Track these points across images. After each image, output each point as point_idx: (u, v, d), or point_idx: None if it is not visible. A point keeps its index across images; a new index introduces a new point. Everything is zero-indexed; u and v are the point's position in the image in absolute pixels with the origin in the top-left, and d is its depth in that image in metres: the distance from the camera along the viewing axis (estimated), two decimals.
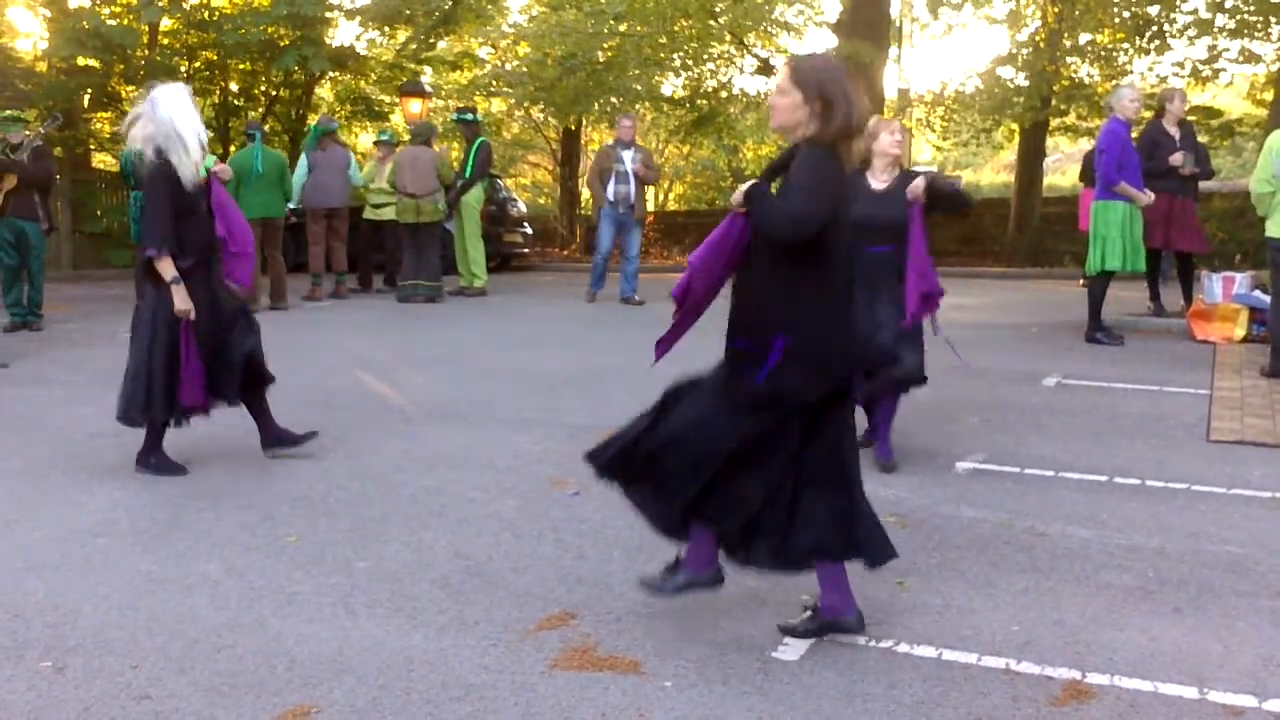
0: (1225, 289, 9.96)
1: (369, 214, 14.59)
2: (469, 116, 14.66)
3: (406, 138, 15.23)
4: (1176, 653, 3.69)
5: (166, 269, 5.61)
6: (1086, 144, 20.03)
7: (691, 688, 3.45)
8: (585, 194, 31.68)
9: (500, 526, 4.99)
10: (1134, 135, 9.80)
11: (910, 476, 5.76)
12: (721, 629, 3.84)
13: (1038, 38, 19.41)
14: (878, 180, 5.93)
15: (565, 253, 24.47)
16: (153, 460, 5.87)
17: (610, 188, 12.92)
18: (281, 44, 18.85)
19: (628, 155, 12.98)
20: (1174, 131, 10.21)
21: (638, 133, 30.86)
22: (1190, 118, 12.84)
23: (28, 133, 10.97)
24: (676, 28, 20.41)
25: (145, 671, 3.57)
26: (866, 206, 5.69)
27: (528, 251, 20.48)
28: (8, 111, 11.44)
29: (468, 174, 13.86)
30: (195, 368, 5.72)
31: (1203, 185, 10.72)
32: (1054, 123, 20.93)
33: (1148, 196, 9.28)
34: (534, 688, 3.46)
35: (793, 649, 3.71)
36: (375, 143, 15.77)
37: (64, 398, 7.71)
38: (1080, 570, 4.45)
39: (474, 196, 14.01)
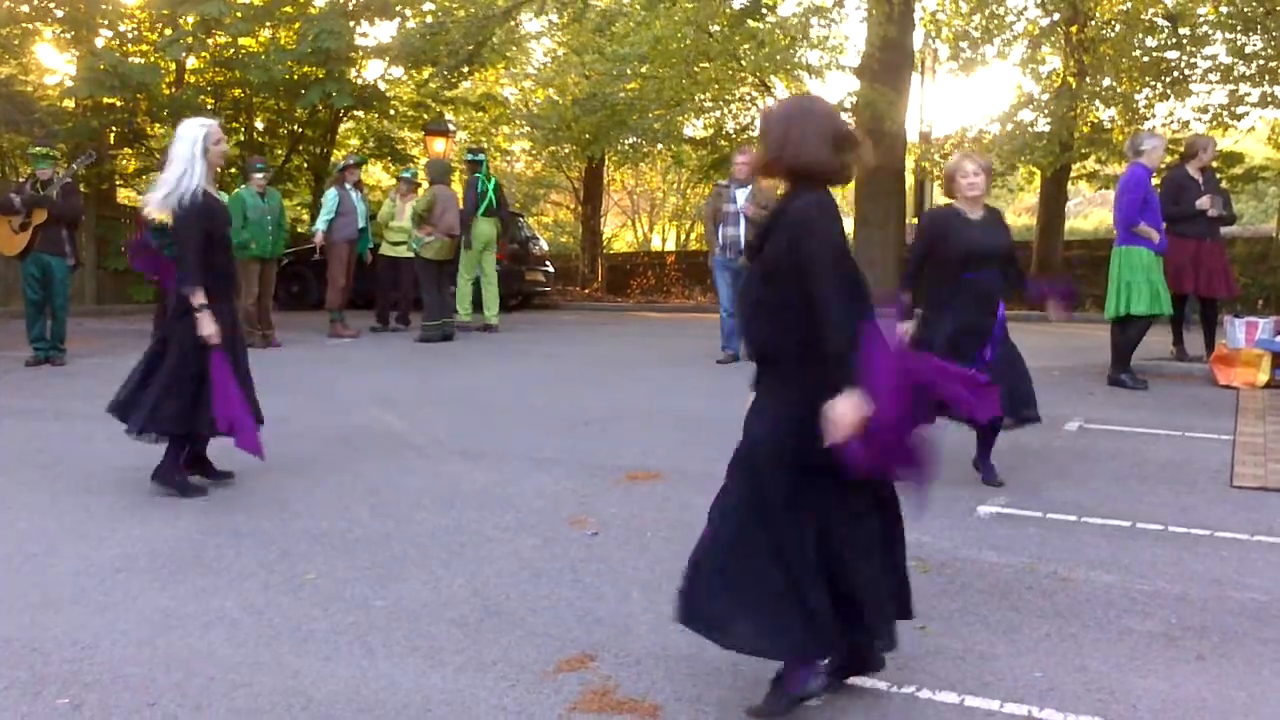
0: (1248, 334, 9.90)
1: (386, 250, 14.66)
2: (467, 156, 14.93)
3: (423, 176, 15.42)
4: (1200, 701, 3.64)
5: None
6: (1110, 192, 20.00)
7: None
8: (607, 233, 31.88)
9: (519, 566, 4.97)
10: (1155, 181, 9.83)
11: (932, 520, 5.72)
12: (741, 672, 3.80)
13: (1057, 81, 19.43)
14: (972, 214, 6.28)
15: (587, 291, 24.58)
16: (178, 479, 6.13)
17: (719, 231, 11.38)
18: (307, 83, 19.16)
19: (741, 194, 11.24)
20: (1197, 176, 10.22)
21: (661, 171, 30.74)
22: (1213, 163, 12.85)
23: (58, 169, 11.11)
24: (698, 69, 20.49)
25: (162, 709, 3.56)
26: (969, 237, 6.16)
27: (549, 290, 20.62)
28: (38, 148, 11.61)
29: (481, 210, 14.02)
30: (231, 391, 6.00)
31: (1224, 230, 10.71)
32: (1075, 168, 20.91)
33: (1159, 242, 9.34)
34: None
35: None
36: (398, 179, 15.91)
37: (85, 432, 7.74)
38: (1103, 616, 4.41)
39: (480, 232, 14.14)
